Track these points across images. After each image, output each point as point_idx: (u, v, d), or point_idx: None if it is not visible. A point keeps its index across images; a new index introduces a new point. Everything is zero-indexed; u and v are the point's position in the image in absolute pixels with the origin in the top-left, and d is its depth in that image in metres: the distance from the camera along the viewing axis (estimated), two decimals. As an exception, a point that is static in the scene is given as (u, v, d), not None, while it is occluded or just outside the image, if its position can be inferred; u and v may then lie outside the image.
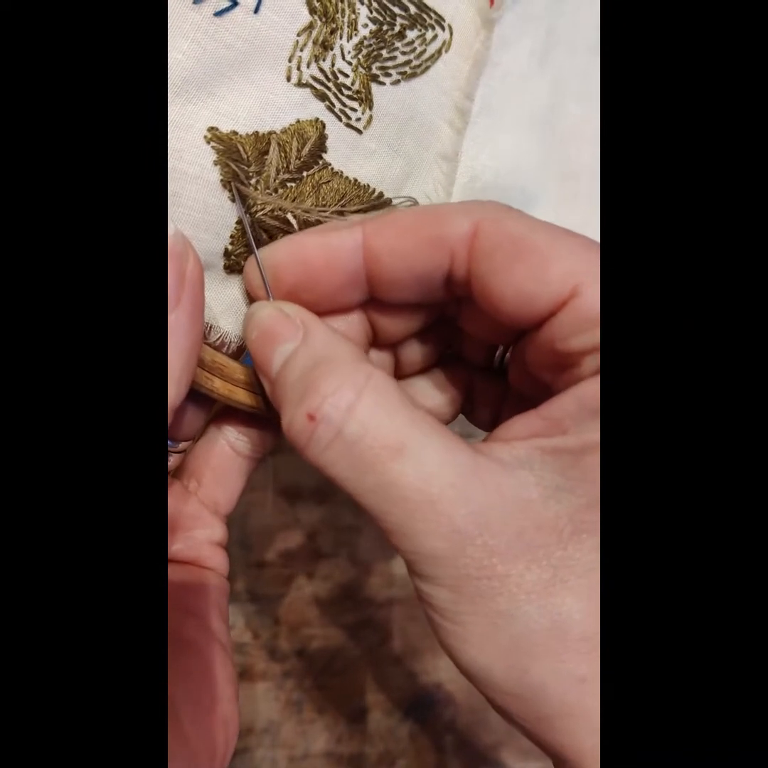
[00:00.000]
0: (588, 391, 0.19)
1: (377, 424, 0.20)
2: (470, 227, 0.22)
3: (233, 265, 0.27)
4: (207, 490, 0.28)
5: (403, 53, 0.28)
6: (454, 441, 0.20)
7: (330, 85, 0.27)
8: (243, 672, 0.44)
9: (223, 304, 0.27)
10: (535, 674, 0.19)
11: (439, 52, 0.28)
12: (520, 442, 0.20)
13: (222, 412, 0.29)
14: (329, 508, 0.47)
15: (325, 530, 0.47)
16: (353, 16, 0.27)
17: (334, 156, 0.28)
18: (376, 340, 0.26)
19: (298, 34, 0.26)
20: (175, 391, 0.22)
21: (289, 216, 0.27)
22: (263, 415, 0.27)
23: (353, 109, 0.28)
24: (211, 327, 0.27)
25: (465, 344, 0.27)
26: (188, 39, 0.24)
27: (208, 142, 0.25)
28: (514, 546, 0.19)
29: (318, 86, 0.27)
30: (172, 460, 0.28)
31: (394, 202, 0.28)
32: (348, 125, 0.28)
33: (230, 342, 0.27)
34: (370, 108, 0.28)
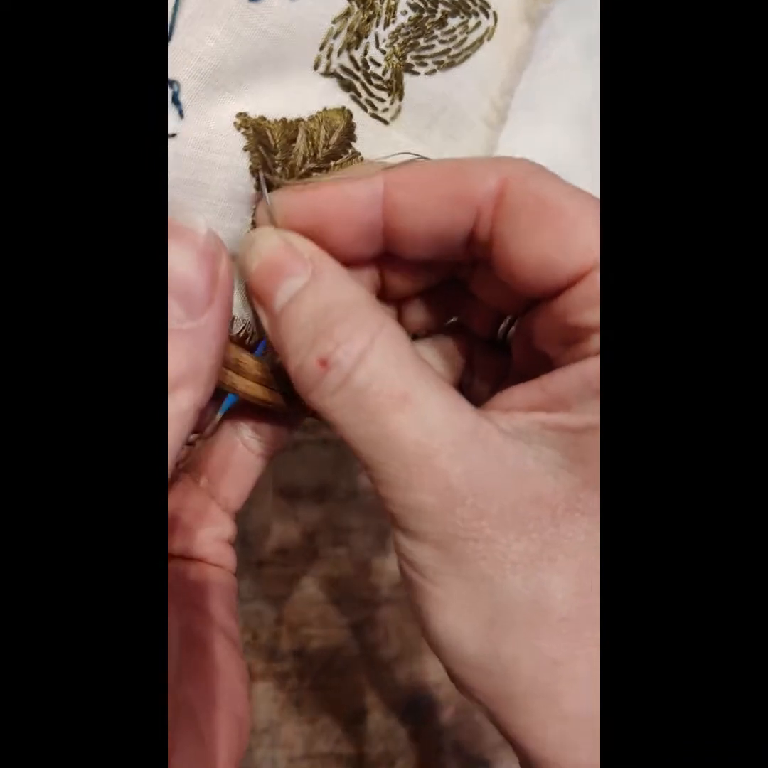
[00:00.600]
0: (594, 369, 0.19)
1: (385, 373, 0.20)
2: (497, 185, 0.21)
3: None
4: (219, 488, 0.28)
5: (442, 41, 0.27)
6: (459, 400, 0.20)
7: (359, 74, 0.27)
8: (242, 672, 0.44)
9: (244, 293, 0.27)
10: (508, 648, 0.18)
11: (480, 40, 0.27)
12: (520, 413, 0.20)
13: (236, 410, 0.29)
14: (329, 508, 0.47)
15: (325, 530, 0.47)
16: (393, 3, 0.26)
17: (363, 146, 0.27)
18: (382, 294, 0.26)
19: (334, 21, 0.26)
20: (204, 392, 0.22)
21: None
22: (280, 411, 0.27)
23: (381, 100, 0.27)
24: (233, 318, 0.26)
25: (471, 312, 0.27)
26: (221, 26, 0.24)
27: (238, 129, 0.25)
28: (505, 514, 0.19)
29: (344, 76, 0.27)
30: (181, 454, 0.28)
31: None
32: (374, 115, 0.27)
33: (253, 332, 0.27)
34: (400, 98, 0.28)
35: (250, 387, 0.26)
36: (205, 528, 0.28)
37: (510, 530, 0.19)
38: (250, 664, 0.44)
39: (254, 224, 0.26)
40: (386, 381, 0.20)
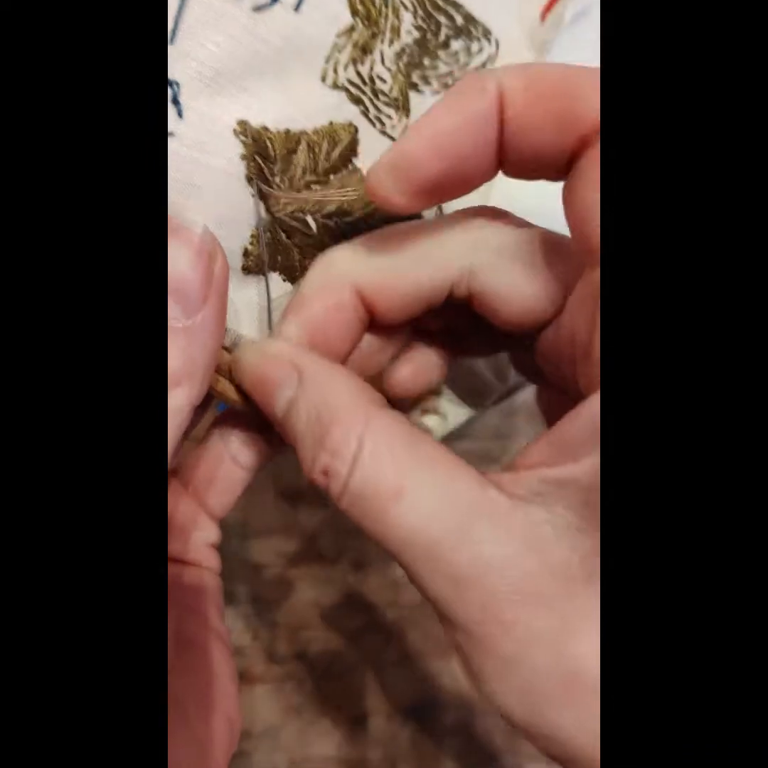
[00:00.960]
0: (596, 408, 0.18)
1: (378, 471, 0.20)
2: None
3: (251, 266, 0.26)
4: (205, 498, 0.28)
5: (446, 63, 0.27)
6: (460, 474, 0.19)
7: (366, 89, 0.27)
8: (242, 674, 0.44)
9: (238, 305, 0.27)
10: (551, 719, 0.18)
11: (483, 65, 0.27)
12: (527, 472, 0.19)
13: (225, 420, 0.29)
14: (330, 511, 0.47)
15: (327, 533, 0.47)
16: (397, 22, 0.26)
17: (364, 161, 0.27)
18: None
19: (338, 36, 0.26)
20: (198, 390, 0.22)
21: (309, 218, 0.27)
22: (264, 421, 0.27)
23: (389, 117, 0.27)
24: (225, 329, 0.26)
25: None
26: (224, 33, 0.24)
27: (237, 136, 0.25)
28: (520, 590, 0.18)
29: (353, 90, 0.26)
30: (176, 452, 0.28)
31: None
32: (382, 132, 0.27)
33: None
34: (407, 116, 0.28)
35: (241, 397, 0.26)
36: (193, 532, 0.28)
37: (527, 606, 0.18)
38: (249, 667, 0.44)
39: (253, 238, 0.26)
40: (380, 479, 0.19)
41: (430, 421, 0.45)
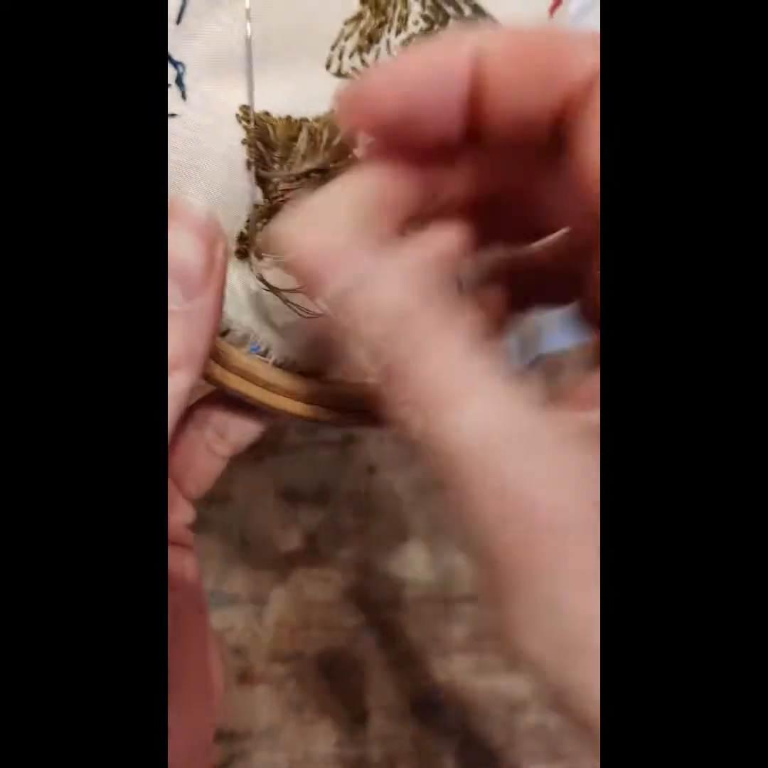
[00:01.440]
0: None
1: (442, 374, 0.19)
2: (594, 70, 0.18)
3: (245, 250, 0.26)
4: (181, 483, 0.30)
5: None
6: (522, 396, 0.18)
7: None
8: (242, 674, 0.44)
9: (229, 290, 0.27)
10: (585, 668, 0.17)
11: None
12: (578, 412, 0.19)
13: (202, 407, 0.29)
14: (330, 510, 0.47)
15: (326, 532, 0.47)
16: (404, 12, 0.26)
17: None
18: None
19: (346, 24, 0.26)
20: (197, 373, 0.22)
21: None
22: (309, 419, 0.27)
23: None
24: (249, 334, 0.27)
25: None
26: (231, 14, 0.24)
27: (239, 121, 0.25)
28: (566, 529, 0.17)
29: (357, 78, 0.26)
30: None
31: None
32: None
33: (234, 330, 0.27)
34: None
35: (230, 379, 0.26)
36: (174, 514, 0.30)
37: (570, 548, 0.17)
38: (250, 667, 0.44)
39: (249, 222, 0.26)
40: (443, 382, 0.18)
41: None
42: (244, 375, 0.26)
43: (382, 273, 0.19)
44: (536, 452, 0.18)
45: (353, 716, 0.44)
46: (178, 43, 0.23)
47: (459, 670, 0.44)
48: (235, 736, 0.43)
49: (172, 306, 0.21)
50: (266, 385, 0.27)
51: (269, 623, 0.44)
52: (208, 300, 0.22)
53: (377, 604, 0.45)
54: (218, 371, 0.26)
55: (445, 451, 0.18)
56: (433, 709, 0.44)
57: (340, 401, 0.28)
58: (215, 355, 0.26)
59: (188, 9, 0.23)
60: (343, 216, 0.21)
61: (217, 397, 0.28)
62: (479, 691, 0.44)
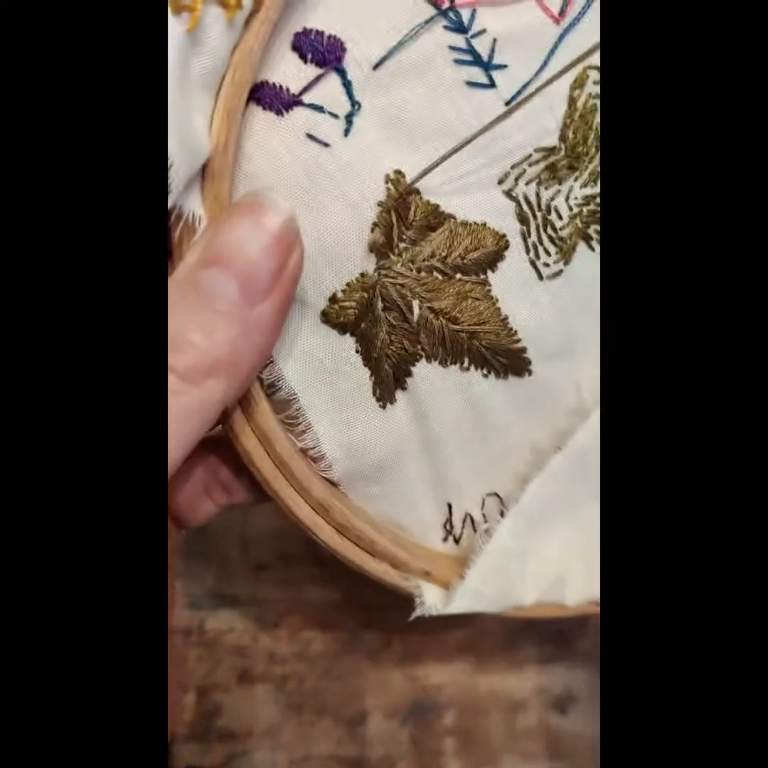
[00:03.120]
0: None
1: None
2: None
3: (332, 316, 0.24)
4: (177, 510, 0.29)
5: None
6: None
7: (538, 214, 0.26)
8: (242, 674, 0.44)
9: (304, 364, 0.25)
10: None
11: None
12: None
13: (213, 457, 0.28)
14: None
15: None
16: (597, 168, 0.25)
17: (497, 279, 0.26)
18: None
19: (536, 150, 0.25)
20: (237, 390, 0.21)
21: (415, 304, 0.25)
22: (303, 530, 0.26)
23: (547, 253, 0.26)
24: (305, 429, 0.25)
25: None
26: (427, 85, 0.23)
27: (387, 182, 0.24)
28: None
29: (525, 208, 0.25)
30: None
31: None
32: (532, 262, 0.26)
33: (282, 391, 0.24)
34: (566, 263, 0.26)
35: (246, 436, 0.24)
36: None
37: None
38: (250, 667, 0.44)
39: (349, 288, 0.24)
40: None
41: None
42: (263, 440, 0.24)
43: None
44: None
45: (353, 717, 0.44)
46: (369, 84, 0.23)
47: (459, 670, 0.44)
48: (235, 736, 0.43)
49: (223, 305, 0.19)
50: (280, 464, 0.24)
51: (269, 624, 0.44)
52: (269, 310, 0.20)
53: (376, 605, 0.45)
54: (238, 419, 0.23)
55: None
56: (432, 710, 0.44)
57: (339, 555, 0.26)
58: (245, 401, 0.23)
59: (391, 62, 0.23)
60: None
61: (232, 449, 0.25)
62: (479, 691, 0.44)
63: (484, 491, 0.29)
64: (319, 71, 0.23)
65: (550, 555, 0.28)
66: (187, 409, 0.19)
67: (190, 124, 0.20)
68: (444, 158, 0.24)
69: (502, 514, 0.28)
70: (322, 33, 0.23)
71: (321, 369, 0.25)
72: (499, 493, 0.29)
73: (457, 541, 0.29)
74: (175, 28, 0.19)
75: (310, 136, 0.23)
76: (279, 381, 0.24)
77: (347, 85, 0.23)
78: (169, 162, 0.19)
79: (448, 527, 0.29)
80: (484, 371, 0.26)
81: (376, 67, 0.23)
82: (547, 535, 0.28)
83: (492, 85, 0.24)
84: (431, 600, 0.27)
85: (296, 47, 0.23)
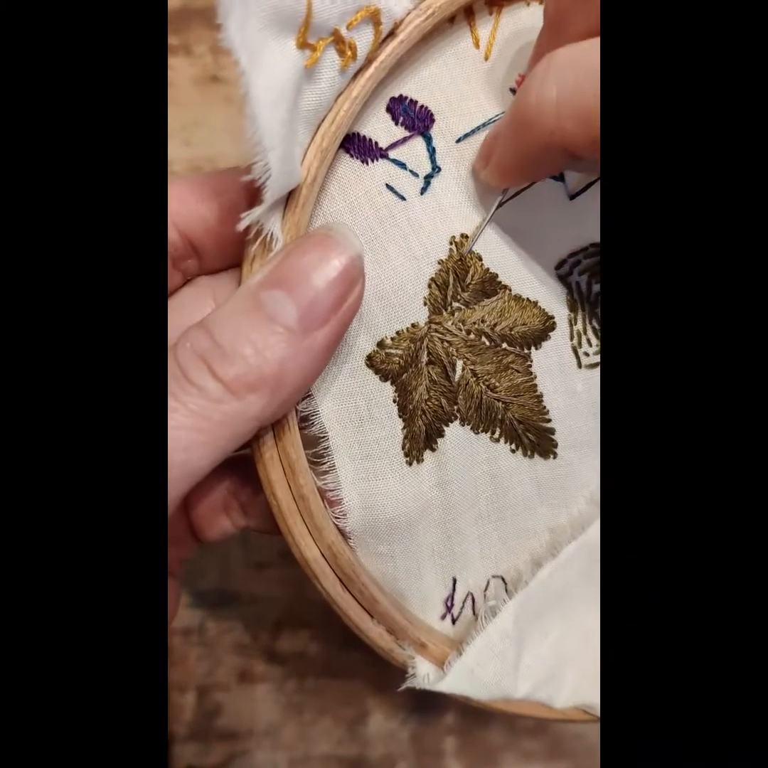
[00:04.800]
0: None
1: None
2: None
3: (377, 361, 0.25)
4: (199, 524, 0.29)
5: None
6: None
7: (586, 304, 0.27)
8: (243, 673, 0.44)
9: (340, 404, 0.25)
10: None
11: None
12: None
13: (236, 477, 0.28)
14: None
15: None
16: None
17: (539, 357, 0.26)
18: None
19: (592, 245, 0.26)
20: (276, 409, 0.21)
21: (459, 364, 0.26)
22: (303, 567, 0.25)
23: (589, 343, 0.27)
24: (328, 469, 0.25)
25: None
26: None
27: (451, 243, 0.25)
28: None
29: (575, 295, 0.27)
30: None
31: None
32: (574, 349, 0.27)
33: (314, 427, 0.25)
34: None
35: (270, 462, 0.24)
36: (179, 549, 0.30)
37: None
38: (250, 667, 0.44)
39: (398, 336, 0.25)
40: None
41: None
42: (288, 470, 0.24)
43: None
44: None
45: (353, 716, 0.44)
46: (448, 153, 0.25)
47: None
48: (235, 735, 0.43)
49: (280, 327, 0.20)
50: (299, 498, 0.24)
51: (269, 623, 0.44)
52: (321, 339, 0.21)
53: (377, 604, 0.45)
54: (268, 444, 0.24)
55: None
56: (432, 710, 0.44)
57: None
58: (278, 427, 0.23)
59: (472, 137, 0.25)
60: None
61: (254, 471, 0.25)
62: (479, 690, 0.44)
63: (491, 573, 0.28)
64: (407, 133, 0.25)
65: (543, 650, 0.28)
66: (222, 417, 0.20)
67: (291, 150, 0.21)
68: (487, 221, 0.26)
69: (508, 597, 0.27)
70: (416, 102, 0.25)
71: (355, 412, 0.25)
72: (504, 576, 0.29)
73: (454, 620, 0.28)
74: (297, 60, 0.21)
75: (389, 187, 0.25)
76: (313, 416, 0.25)
77: (431, 151, 0.25)
78: (266, 174, 0.20)
79: (448, 603, 0.28)
80: (513, 446, 0.27)
81: (459, 140, 0.25)
82: (544, 629, 0.28)
83: (561, 178, 0.26)
84: (423, 672, 0.27)
85: (390, 109, 0.25)
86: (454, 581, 0.28)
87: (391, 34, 0.23)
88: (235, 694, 0.43)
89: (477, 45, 0.26)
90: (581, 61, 0.19)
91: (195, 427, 0.19)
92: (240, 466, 0.28)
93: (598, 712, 0.28)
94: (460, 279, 0.25)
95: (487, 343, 0.26)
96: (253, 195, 0.21)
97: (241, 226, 0.21)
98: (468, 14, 0.26)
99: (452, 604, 0.28)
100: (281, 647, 0.44)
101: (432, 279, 0.25)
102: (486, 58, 0.26)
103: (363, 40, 0.22)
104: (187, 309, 0.23)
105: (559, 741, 0.44)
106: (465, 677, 0.26)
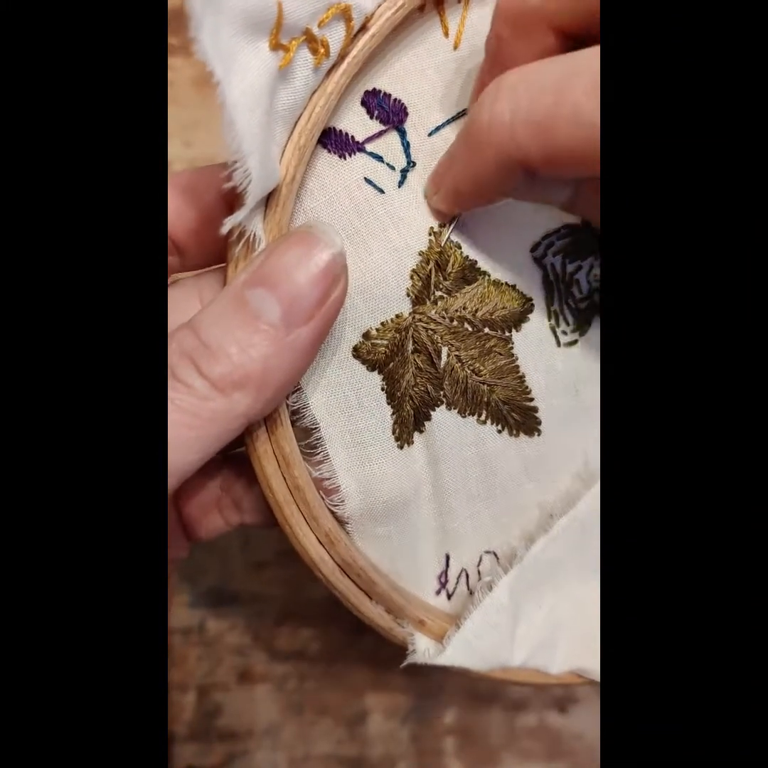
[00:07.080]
0: None
1: None
2: None
3: (363, 352, 0.25)
4: (191, 524, 0.29)
5: None
6: None
7: (562, 284, 0.27)
8: (243, 673, 0.44)
9: (329, 396, 0.25)
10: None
11: None
12: None
13: (228, 470, 0.28)
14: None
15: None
16: None
17: (520, 339, 0.27)
18: None
19: (564, 226, 0.27)
20: (263, 406, 0.22)
21: (444, 351, 0.26)
22: (300, 556, 0.26)
23: (566, 322, 0.28)
24: (322, 459, 0.25)
25: None
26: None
27: (429, 235, 0.26)
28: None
29: (551, 276, 0.27)
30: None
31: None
32: (552, 328, 0.28)
33: (304, 420, 0.25)
34: (581, 335, 0.28)
35: (263, 455, 0.24)
36: (174, 550, 0.29)
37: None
38: (250, 667, 0.44)
39: (383, 327, 0.25)
40: None
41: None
42: (282, 463, 0.24)
43: None
44: None
45: (353, 716, 0.44)
46: (421, 147, 0.26)
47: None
48: (235, 735, 0.43)
49: (264, 325, 0.21)
50: (294, 489, 0.25)
51: (269, 623, 0.44)
52: (305, 336, 0.21)
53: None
54: (261, 438, 0.24)
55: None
56: (432, 709, 0.44)
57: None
58: (270, 422, 0.24)
59: (443, 130, 0.25)
60: None
61: (247, 467, 0.25)
62: (479, 690, 0.44)
63: (483, 548, 0.29)
64: (382, 127, 0.26)
65: (537, 620, 0.28)
66: (211, 415, 0.20)
67: (269, 151, 0.22)
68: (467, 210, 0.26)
69: (504, 572, 0.28)
70: (390, 95, 0.26)
71: (345, 402, 0.25)
72: (496, 552, 0.29)
73: (449, 596, 0.29)
74: (270, 62, 0.21)
75: (368, 181, 0.25)
76: (303, 409, 0.25)
77: (405, 145, 0.26)
78: (247, 179, 0.20)
79: (442, 579, 0.29)
80: (499, 427, 0.27)
81: (431, 133, 0.26)
82: (538, 600, 0.29)
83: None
84: (423, 647, 0.27)
85: (365, 103, 0.25)
86: (448, 557, 0.29)
87: (363, 28, 0.23)
88: (235, 694, 0.43)
89: (446, 34, 0.26)
90: (532, 81, 0.20)
91: (184, 424, 0.20)
92: (231, 463, 0.28)
93: (591, 675, 0.28)
94: (442, 268, 0.26)
95: (470, 329, 0.26)
96: (233, 193, 0.21)
97: (224, 229, 0.22)
98: (437, 3, 0.26)
99: (446, 580, 0.29)
100: (281, 647, 0.44)
101: (414, 270, 0.26)
102: (455, 47, 0.26)
103: (335, 36, 0.23)
104: (174, 310, 0.23)
105: (559, 741, 0.44)
106: (463, 650, 0.27)
